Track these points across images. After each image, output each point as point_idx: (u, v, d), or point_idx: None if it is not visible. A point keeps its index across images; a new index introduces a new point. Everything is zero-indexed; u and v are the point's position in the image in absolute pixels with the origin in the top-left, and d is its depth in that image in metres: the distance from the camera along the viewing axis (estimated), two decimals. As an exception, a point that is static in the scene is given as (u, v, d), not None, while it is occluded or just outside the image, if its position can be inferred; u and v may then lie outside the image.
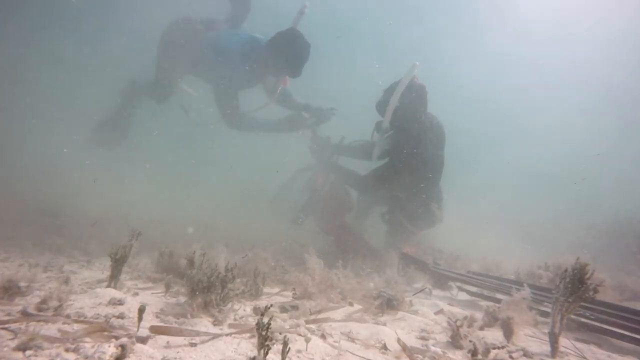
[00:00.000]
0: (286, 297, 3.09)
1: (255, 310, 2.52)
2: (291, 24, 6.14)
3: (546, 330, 2.19)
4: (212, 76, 6.59)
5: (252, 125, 6.56)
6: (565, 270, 2.07)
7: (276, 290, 3.32)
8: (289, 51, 5.93)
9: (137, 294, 2.75)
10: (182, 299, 2.59)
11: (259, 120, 6.60)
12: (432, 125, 5.46)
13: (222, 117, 6.51)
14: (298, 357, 1.78)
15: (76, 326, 1.84)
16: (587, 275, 2.00)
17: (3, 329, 1.70)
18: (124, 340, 1.54)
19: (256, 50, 6.19)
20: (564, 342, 2.27)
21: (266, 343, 1.51)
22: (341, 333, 2.22)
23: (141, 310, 1.85)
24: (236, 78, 6.24)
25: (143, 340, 1.72)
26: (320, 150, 6.41)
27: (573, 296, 2.01)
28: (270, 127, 6.64)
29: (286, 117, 6.62)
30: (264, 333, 1.52)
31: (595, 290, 2.02)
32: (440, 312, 3.04)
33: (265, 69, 6.36)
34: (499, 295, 3.43)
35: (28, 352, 1.45)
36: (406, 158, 5.29)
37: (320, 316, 2.58)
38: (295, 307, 2.63)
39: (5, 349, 1.47)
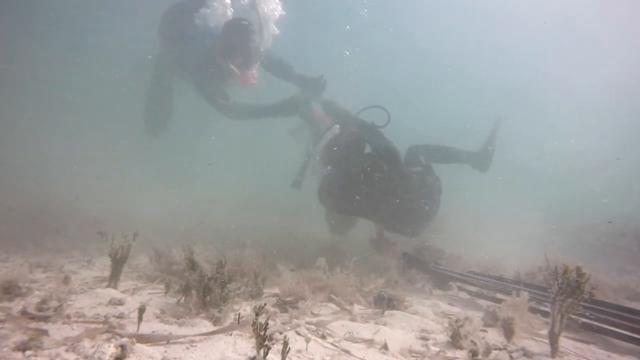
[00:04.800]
0: (285, 296, 3.08)
1: (255, 310, 2.52)
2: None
3: (546, 331, 2.19)
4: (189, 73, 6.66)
5: (246, 112, 6.51)
6: (557, 271, 2.07)
7: (276, 290, 3.32)
8: (234, 36, 5.97)
9: (137, 294, 2.75)
10: (183, 298, 2.59)
11: (251, 106, 6.52)
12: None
13: (215, 109, 6.51)
14: (298, 357, 1.78)
15: (76, 326, 1.84)
16: (584, 280, 1.99)
17: (3, 329, 1.70)
18: (124, 340, 1.54)
19: (208, 41, 6.24)
20: (564, 342, 2.27)
21: (265, 343, 1.51)
22: (341, 333, 2.21)
23: (141, 311, 1.85)
24: (208, 75, 6.26)
25: (143, 340, 1.72)
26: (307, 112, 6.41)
27: (568, 296, 2.01)
28: (265, 111, 6.54)
29: (280, 101, 6.50)
30: (262, 333, 1.51)
31: (591, 294, 2.02)
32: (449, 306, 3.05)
33: (222, 58, 6.28)
34: (499, 295, 3.43)
35: (28, 352, 1.45)
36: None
37: (320, 316, 2.58)
38: (295, 307, 2.62)
39: (5, 349, 1.47)
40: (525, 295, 2.62)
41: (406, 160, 5.69)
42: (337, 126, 5.40)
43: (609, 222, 7.60)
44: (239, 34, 6.00)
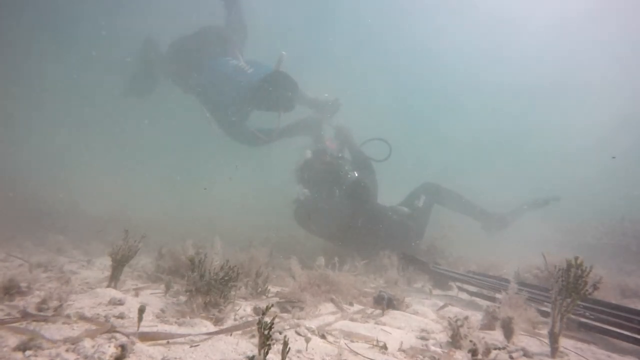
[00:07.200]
0: (285, 297, 3.07)
1: (256, 310, 2.52)
2: (274, 67, 6.34)
3: (546, 330, 2.19)
4: (209, 110, 6.85)
5: (266, 138, 6.81)
6: (560, 269, 2.06)
7: (277, 290, 3.32)
8: (276, 93, 6.19)
9: (137, 294, 2.75)
10: (183, 298, 2.59)
11: (269, 131, 6.79)
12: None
13: (239, 143, 6.90)
14: (298, 357, 1.78)
15: (76, 326, 1.85)
16: (585, 273, 1.99)
17: (3, 329, 1.70)
18: (124, 340, 1.54)
19: (244, 89, 6.37)
20: (564, 341, 2.27)
21: (267, 342, 1.51)
22: (341, 333, 2.22)
23: (141, 310, 1.85)
24: (235, 116, 6.53)
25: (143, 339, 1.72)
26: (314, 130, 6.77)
27: (570, 294, 2.01)
28: (282, 134, 6.85)
29: (295, 123, 6.85)
30: (266, 332, 1.51)
31: (595, 287, 2.01)
32: (443, 307, 3.04)
33: (256, 105, 6.62)
34: (498, 295, 3.43)
35: (28, 352, 1.45)
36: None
37: (320, 316, 2.58)
38: (296, 307, 2.62)
39: (5, 349, 1.47)
40: (514, 286, 2.65)
41: (409, 195, 5.93)
42: (309, 151, 5.79)
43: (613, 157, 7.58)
44: (292, 88, 6.30)
